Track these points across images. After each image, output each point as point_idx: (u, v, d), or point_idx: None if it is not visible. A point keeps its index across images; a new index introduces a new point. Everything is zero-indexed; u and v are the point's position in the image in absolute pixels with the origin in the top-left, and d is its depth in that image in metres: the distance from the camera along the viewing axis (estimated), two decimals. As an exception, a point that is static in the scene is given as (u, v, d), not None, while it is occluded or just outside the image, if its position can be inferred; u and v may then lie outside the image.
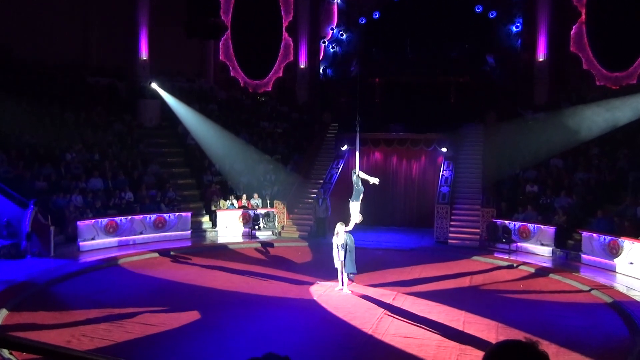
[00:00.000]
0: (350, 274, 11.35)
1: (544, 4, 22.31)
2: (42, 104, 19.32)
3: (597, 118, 17.88)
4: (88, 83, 21.86)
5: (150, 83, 21.96)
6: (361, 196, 11.46)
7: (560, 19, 22.64)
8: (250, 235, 17.46)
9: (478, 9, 24.85)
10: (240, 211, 18.05)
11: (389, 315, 9.95)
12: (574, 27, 22.49)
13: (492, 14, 24.71)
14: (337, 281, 11.52)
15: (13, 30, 20.85)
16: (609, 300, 10.97)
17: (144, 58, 22.89)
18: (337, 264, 11.24)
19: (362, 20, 25.93)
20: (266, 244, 16.58)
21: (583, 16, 22.36)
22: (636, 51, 21.10)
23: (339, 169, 19.73)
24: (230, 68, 26.66)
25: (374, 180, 11.85)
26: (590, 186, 16.28)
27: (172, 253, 14.87)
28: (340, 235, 11.09)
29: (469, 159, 19.68)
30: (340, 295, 11.20)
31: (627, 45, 21.22)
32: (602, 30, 22.02)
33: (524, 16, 23.53)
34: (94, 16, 23.48)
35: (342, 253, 11.05)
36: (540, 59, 22.40)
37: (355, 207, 11.39)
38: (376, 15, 25.76)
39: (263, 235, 17.70)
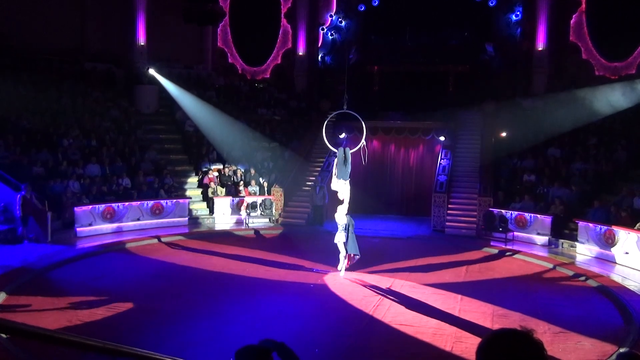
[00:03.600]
0: (355, 255, 11.30)
1: (544, -8, 22.20)
2: (39, 89, 19.23)
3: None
4: (85, 69, 21.74)
5: (148, 69, 21.85)
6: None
7: (560, 8, 22.55)
8: (245, 223, 17.47)
9: (478, -3, 24.73)
10: (237, 198, 18.04)
11: (385, 302, 10.00)
12: (574, 16, 22.41)
13: (492, 2, 24.60)
14: (336, 268, 11.66)
15: (9, 17, 20.70)
16: (603, 289, 11.02)
17: (142, 44, 22.77)
18: (340, 245, 11.21)
19: (362, 8, 25.77)
20: (263, 231, 16.62)
21: (583, 5, 22.27)
22: (635, 41, 21.04)
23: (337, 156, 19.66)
24: (229, 54, 26.52)
25: (362, 144, 11.52)
26: (587, 176, 16.31)
27: (169, 239, 14.89)
28: (342, 216, 10.96)
29: (467, 148, 19.67)
30: (337, 281, 11.24)
31: (626, 35, 21.14)
32: (601, 20, 21.94)
33: (524, 5, 23.44)
34: (91, 2, 23.28)
35: (344, 234, 10.95)
36: (540, 48, 22.33)
37: (345, 187, 11.14)
38: (375, 2, 25.61)
39: (260, 222, 17.73)
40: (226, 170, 19.45)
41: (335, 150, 10.03)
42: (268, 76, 26.26)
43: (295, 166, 19.77)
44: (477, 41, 24.35)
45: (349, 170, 10.90)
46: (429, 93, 21.79)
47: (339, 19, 26.15)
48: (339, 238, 10.96)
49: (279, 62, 26.36)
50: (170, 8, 24.54)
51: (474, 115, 20.85)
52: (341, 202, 11.22)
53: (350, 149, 11.64)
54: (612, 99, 18.41)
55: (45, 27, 21.42)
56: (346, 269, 11.58)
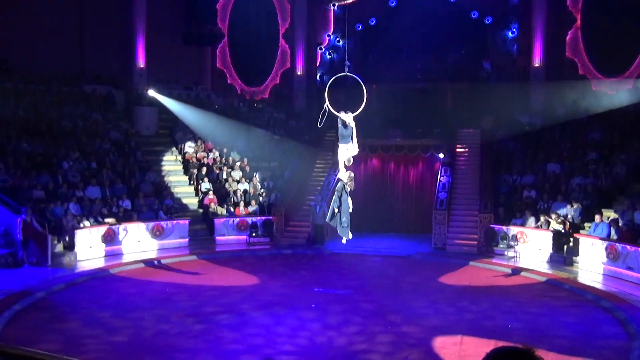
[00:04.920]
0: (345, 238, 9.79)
1: (540, 9, 22.41)
2: (40, 112, 19.35)
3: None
4: (85, 91, 21.87)
5: (147, 90, 21.99)
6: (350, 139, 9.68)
7: (556, 25, 22.75)
8: (248, 243, 17.43)
9: (474, 14, 25.01)
10: (238, 219, 18.02)
11: (386, 321, 9.93)
12: (569, 32, 22.60)
13: (488, 20, 24.87)
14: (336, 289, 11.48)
15: (10, 40, 20.87)
16: (607, 305, 10.95)
17: (141, 66, 22.91)
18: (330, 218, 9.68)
19: (359, 27, 26.02)
20: (264, 252, 16.57)
21: (578, 22, 22.47)
22: (631, 56, 21.20)
23: (336, 175, 19.67)
24: (228, 75, 26.71)
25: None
26: (587, 191, 16.30)
27: (169, 261, 14.84)
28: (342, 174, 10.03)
29: (466, 165, 19.69)
30: (335, 306, 11.08)
31: (622, 50, 21.36)
32: (597, 35, 22.15)
33: (519, 22, 23.66)
34: (91, 25, 23.51)
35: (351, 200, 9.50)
36: (536, 64, 22.49)
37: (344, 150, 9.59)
38: (372, 21, 25.89)
39: (261, 242, 17.68)
40: (225, 185, 19.48)
41: (337, 113, 9.37)
42: (267, 96, 26.40)
43: (296, 185, 19.78)
44: (474, 58, 24.56)
45: (351, 132, 9.87)
46: (427, 110, 21.90)
47: (337, 39, 26.39)
48: (350, 202, 9.40)
49: (278, 82, 26.53)
50: (170, 30, 24.83)
51: (473, 131, 20.91)
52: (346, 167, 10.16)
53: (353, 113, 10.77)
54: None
55: (46, 50, 21.59)
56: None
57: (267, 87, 26.59)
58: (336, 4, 26.31)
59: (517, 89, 22.79)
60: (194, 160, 20.72)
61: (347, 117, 9.25)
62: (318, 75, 26.65)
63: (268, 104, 25.63)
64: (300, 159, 21.12)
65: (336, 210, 9.35)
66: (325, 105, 9.16)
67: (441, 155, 19.57)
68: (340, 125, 9.35)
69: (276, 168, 21.17)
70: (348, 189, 9.20)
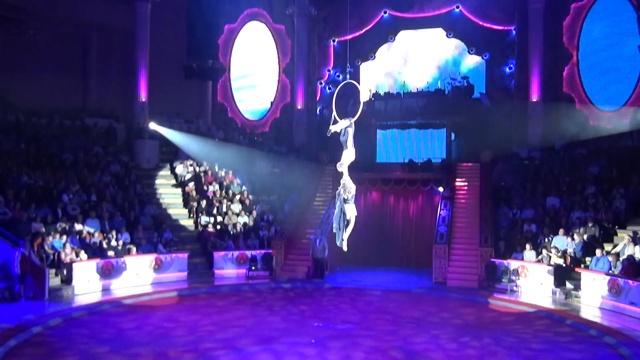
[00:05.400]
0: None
1: (536, 46, 22.81)
2: (41, 145, 19.45)
3: None
4: (86, 124, 22.03)
5: (148, 124, 22.17)
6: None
7: (553, 61, 23.11)
8: (247, 277, 17.31)
9: (471, 51, 25.47)
10: (237, 252, 17.93)
11: (387, 357, 9.79)
12: (566, 68, 22.92)
13: (485, 57, 25.28)
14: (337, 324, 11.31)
15: (12, 74, 21.12)
16: (611, 341, 10.81)
17: (143, 100, 23.15)
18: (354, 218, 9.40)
19: (358, 63, 26.43)
20: (263, 286, 16.43)
21: (575, 58, 22.81)
22: (627, 91, 21.46)
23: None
24: (228, 109, 26.97)
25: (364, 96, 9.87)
26: (587, 225, 16.27)
27: (167, 295, 14.70)
28: (353, 189, 9.26)
29: (466, 198, 19.70)
30: (335, 341, 10.96)
31: (618, 85, 21.65)
32: (593, 71, 22.49)
33: (517, 58, 24.03)
34: (94, 60, 23.88)
35: (352, 207, 9.21)
36: (534, 99, 22.74)
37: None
38: (372, 57, 26.31)
39: (261, 276, 17.54)
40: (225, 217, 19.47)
41: (339, 120, 9.37)
42: (267, 130, 26.61)
43: (295, 219, 19.75)
44: (472, 93, 24.86)
45: (352, 129, 9.79)
46: (426, 144, 22.08)
47: (337, 73, 26.75)
48: (352, 211, 9.20)
49: (278, 115, 26.79)
50: (171, 64, 25.19)
51: (472, 165, 21.00)
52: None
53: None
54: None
55: (48, 84, 21.84)
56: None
57: (268, 121, 26.83)
58: (336, 40, 26.80)
59: (516, 123, 23.00)
60: (194, 193, 20.75)
61: (344, 123, 9.30)
62: (318, 109, 26.92)
63: (268, 138, 25.79)
64: (300, 193, 21.15)
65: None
66: (332, 114, 9.11)
67: (441, 189, 19.61)
68: (340, 132, 9.39)
69: (276, 201, 21.20)
70: (342, 197, 9.17)
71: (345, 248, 9.35)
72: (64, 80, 22.85)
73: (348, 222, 9.14)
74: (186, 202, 20.62)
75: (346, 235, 9.25)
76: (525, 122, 22.80)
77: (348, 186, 9.09)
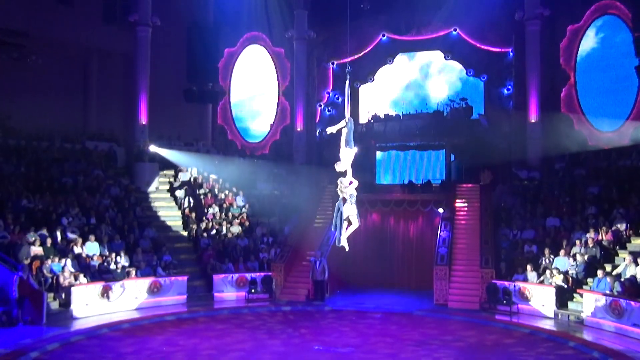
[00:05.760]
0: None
1: (534, 68, 22.95)
2: (41, 168, 19.49)
3: None
4: (87, 148, 22.11)
5: (149, 146, 22.25)
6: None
7: (550, 82, 23.27)
8: (247, 300, 17.19)
9: (469, 72, 25.66)
10: (237, 275, 17.84)
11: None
12: (563, 89, 23.08)
13: (483, 78, 25.47)
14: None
15: (13, 98, 21.28)
16: (614, 364, 10.70)
17: (143, 123, 23.25)
18: (353, 218, 9.53)
19: (357, 85, 26.61)
20: (263, 309, 16.32)
21: (572, 79, 22.98)
22: (624, 111, 21.56)
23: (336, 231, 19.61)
24: (228, 131, 27.10)
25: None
26: (588, 246, 16.21)
27: (166, 319, 14.58)
28: (350, 188, 9.51)
29: (466, 219, 19.65)
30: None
31: (616, 106, 21.77)
32: (591, 91, 22.63)
33: (514, 79, 24.19)
34: (94, 84, 24.08)
35: (355, 207, 9.44)
36: (533, 120, 22.81)
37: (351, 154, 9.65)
38: (371, 79, 26.50)
39: (260, 299, 17.42)
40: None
41: (346, 120, 9.51)
42: (267, 152, 26.68)
43: (295, 241, 19.68)
44: (471, 114, 24.98)
45: (352, 140, 9.59)
46: (426, 165, 22.13)
47: (336, 96, 26.93)
48: (351, 211, 9.43)
49: (278, 138, 26.90)
50: (171, 87, 25.41)
51: (472, 186, 21.00)
52: (343, 174, 9.69)
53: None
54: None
55: (49, 108, 22.01)
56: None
57: (267, 143, 26.92)
58: (335, 62, 27.04)
59: (515, 144, 23.06)
60: (193, 216, 20.73)
61: (341, 124, 9.50)
62: (317, 131, 27.03)
63: (268, 160, 25.86)
64: (300, 215, 21.12)
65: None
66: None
67: (441, 210, 19.58)
68: (349, 129, 9.53)
69: (276, 223, 21.16)
70: (342, 196, 9.25)
71: (346, 248, 9.49)
72: (65, 103, 23.04)
73: (348, 222, 9.26)
74: (186, 225, 20.58)
75: (344, 235, 9.35)
76: (524, 143, 22.84)
77: (343, 185, 9.31)
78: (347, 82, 10.10)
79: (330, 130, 9.43)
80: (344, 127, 9.30)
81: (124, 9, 23.61)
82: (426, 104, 25.69)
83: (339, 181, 9.33)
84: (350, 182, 9.39)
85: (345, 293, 18.78)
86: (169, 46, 25.07)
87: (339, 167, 9.27)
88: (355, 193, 9.40)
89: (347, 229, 9.36)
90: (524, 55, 23.28)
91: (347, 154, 9.38)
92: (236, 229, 20.28)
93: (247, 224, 20.78)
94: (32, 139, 20.94)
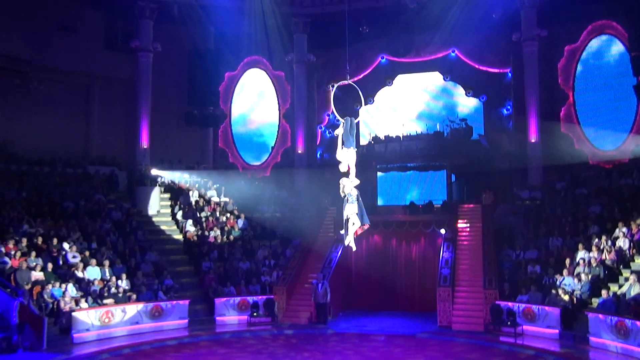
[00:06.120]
0: (366, 224, 10.05)
1: (532, 88, 23.06)
2: (43, 193, 19.51)
3: None
4: (88, 172, 22.17)
5: (150, 170, 22.31)
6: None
7: (550, 102, 23.37)
8: (249, 323, 17.04)
9: (469, 93, 25.79)
10: (239, 298, 17.72)
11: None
12: (563, 108, 23.19)
13: (482, 99, 25.59)
14: None
15: (15, 124, 21.43)
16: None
17: (144, 147, 23.37)
18: (353, 217, 9.84)
19: (357, 107, 26.70)
20: (265, 332, 16.17)
21: (571, 98, 23.10)
22: (624, 130, 21.63)
23: (338, 253, 19.58)
24: (229, 154, 27.17)
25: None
26: (592, 266, 16.11)
27: (167, 344, 14.45)
28: (351, 187, 9.81)
29: (468, 240, 19.57)
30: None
31: (615, 125, 21.85)
32: (591, 110, 22.74)
33: (513, 100, 24.30)
34: (96, 109, 24.24)
35: (355, 205, 9.77)
36: (533, 140, 22.84)
37: (351, 155, 9.87)
38: (371, 101, 26.63)
39: (262, 322, 17.28)
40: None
41: (342, 120, 9.67)
42: (268, 174, 26.71)
43: (297, 263, 19.59)
44: (471, 135, 25.03)
45: (354, 139, 9.99)
46: (427, 186, 22.12)
47: (336, 118, 27.01)
48: (351, 210, 9.75)
49: (279, 160, 26.95)
50: (173, 111, 25.58)
51: (474, 207, 20.96)
52: (344, 174, 10.02)
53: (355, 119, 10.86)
54: None
55: (51, 133, 22.14)
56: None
57: (269, 166, 26.97)
58: (335, 85, 27.22)
59: (515, 164, 23.07)
60: (195, 239, 20.68)
61: (340, 130, 9.70)
62: (318, 153, 27.10)
63: (269, 182, 25.87)
64: (301, 237, 21.06)
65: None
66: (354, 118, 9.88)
67: (443, 231, 19.52)
68: (346, 128, 9.67)
69: (277, 246, 21.09)
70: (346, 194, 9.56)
71: (353, 248, 9.89)
72: (67, 128, 23.17)
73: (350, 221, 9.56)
74: (187, 248, 20.51)
75: (350, 234, 9.62)
76: (525, 163, 22.86)
77: (344, 185, 9.61)
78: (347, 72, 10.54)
79: (338, 132, 9.74)
80: (342, 127, 9.65)
81: (125, 35, 23.93)
82: (426, 125, 25.77)
83: (340, 182, 9.59)
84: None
85: (348, 316, 18.63)
86: (170, 71, 25.32)
87: (341, 167, 9.59)
88: (355, 192, 9.59)
89: (350, 229, 9.59)
90: (523, 75, 23.44)
91: (344, 155, 9.62)
92: (238, 251, 20.18)
93: (248, 246, 20.71)
94: (34, 164, 21.03)
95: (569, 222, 18.90)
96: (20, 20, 21.66)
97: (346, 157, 9.63)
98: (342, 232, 9.83)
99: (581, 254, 16.76)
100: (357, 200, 9.74)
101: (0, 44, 21.17)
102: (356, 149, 9.90)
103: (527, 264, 17.36)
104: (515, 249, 18.44)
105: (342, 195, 9.57)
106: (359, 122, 9.75)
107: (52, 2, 22.39)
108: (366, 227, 10.08)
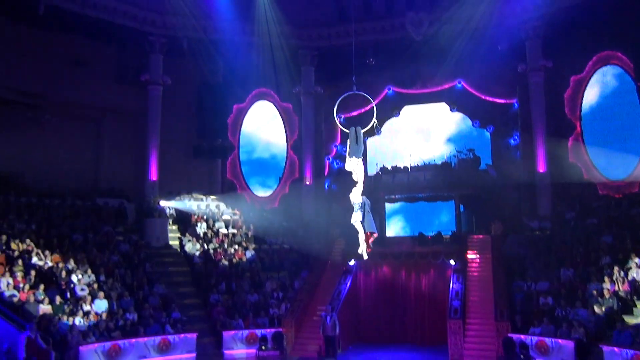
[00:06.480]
0: (373, 233, 10.33)
1: (539, 118, 23.10)
2: (52, 225, 19.56)
3: None
4: (97, 204, 22.24)
5: (159, 202, 22.38)
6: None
7: (557, 131, 23.30)
8: (257, 357, 16.83)
9: (475, 124, 25.87)
10: (247, 331, 17.53)
11: None
12: (570, 138, 23.14)
13: (489, 129, 25.66)
14: None
15: (26, 157, 21.63)
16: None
17: (153, 179, 23.49)
18: (357, 224, 10.10)
19: (366, 139, 26.82)
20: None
21: (578, 128, 23.10)
22: (633, 159, 21.55)
23: (347, 285, 19.42)
24: (238, 186, 27.24)
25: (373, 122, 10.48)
26: (605, 297, 15.87)
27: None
28: (357, 195, 10.05)
29: (478, 271, 19.38)
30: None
31: (624, 154, 21.78)
32: (598, 140, 22.69)
33: (520, 130, 24.33)
34: (106, 141, 24.46)
35: (360, 214, 9.99)
36: (541, 170, 22.78)
37: (358, 165, 10.13)
38: (378, 132, 26.75)
39: (271, 356, 17.05)
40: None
41: (347, 130, 9.89)
42: (276, 205, 26.70)
43: (306, 295, 19.42)
44: (479, 165, 25.04)
45: (362, 149, 10.18)
46: (436, 217, 22.04)
47: (344, 149, 27.10)
48: (355, 217, 10.01)
49: (287, 191, 26.96)
50: (181, 143, 25.80)
51: (483, 237, 20.82)
52: (355, 183, 10.23)
53: (362, 128, 10.94)
54: None
55: (62, 167, 22.31)
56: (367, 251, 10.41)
57: (277, 197, 26.98)
58: (342, 116, 27.40)
59: (524, 194, 22.98)
60: (203, 270, 20.59)
61: (358, 132, 9.93)
62: (326, 184, 27.13)
63: (277, 213, 25.85)
64: (310, 269, 20.93)
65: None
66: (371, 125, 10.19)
67: (452, 262, 19.35)
68: (352, 138, 9.77)
69: (285, 278, 20.94)
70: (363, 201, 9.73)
71: (364, 256, 10.07)
72: (77, 161, 23.34)
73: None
74: (195, 281, 20.41)
75: (361, 244, 9.86)
76: (534, 193, 22.76)
77: (352, 195, 9.86)
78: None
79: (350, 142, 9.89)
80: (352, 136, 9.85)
81: (136, 69, 24.26)
82: (433, 155, 25.80)
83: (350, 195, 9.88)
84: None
85: (358, 348, 18.37)
86: (179, 103, 25.63)
87: (354, 176, 9.82)
88: (359, 200, 9.78)
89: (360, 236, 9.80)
90: (529, 106, 23.52)
91: (353, 165, 9.86)
92: (245, 284, 20.05)
93: (256, 279, 20.58)
94: (44, 196, 21.13)
95: (580, 253, 18.69)
96: (35, 55, 22.06)
97: (355, 167, 9.78)
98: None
99: (594, 285, 16.53)
100: (362, 208, 9.91)
101: (15, 79, 21.54)
102: (361, 158, 10.08)
103: (539, 296, 17.12)
104: (527, 280, 18.22)
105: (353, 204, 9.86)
106: (365, 140, 9.90)
107: (66, 38, 22.80)
108: (375, 235, 10.26)
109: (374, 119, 10.54)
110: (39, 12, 20.56)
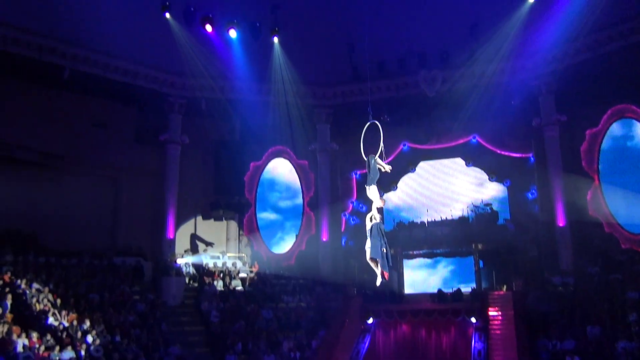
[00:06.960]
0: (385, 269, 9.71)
1: (556, 172, 22.93)
2: (69, 285, 19.56)
3: None
4: (114, 263, 22.27)
5: (175, 260, 22.36)
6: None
7: (575, 185, 23.01)
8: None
9: (492, 178, 25.79)
10: (264, 393, 17.07)
11: None
12: (589, 192, 22.85)
13: (506, 184, 25.53)
14: None
15: (44, 217, 21.85)
16: None
17: (170, 237, 23.57)
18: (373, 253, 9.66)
19: (381, 194, 26.82)
20: None
21: (596, 181, 22.86)
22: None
23: (365, 344, 18.97)
24: (254, 243, 27.16)
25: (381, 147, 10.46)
26: (635, 356, 15.27)
27: None
28: (367, 222, 9.83)
29: (501, 329, 18.83)
30: None
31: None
32: (617, 194, 22.38)
33: (537, 184, 24.15)
34: (124, 200, 24.69)
35: (367, 241, 9.66)
36: (561, 224, 22.44)
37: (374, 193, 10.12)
38: (394, 188, 26.77)
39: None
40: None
41: (365, 158, 9.89)
42: (293, 262, 26.51)
43: (324, 356, 18.96)
44: (497, 220, 24.74)
45: (376, 177, 10.11)
46: (455, 273, 21.71)
47: (360, 205, 27.09)
48: (367, 245, 9.78)
49: (303, 248, 26.80)
50: (199, 200, 26.01)
51: (504, 294, 20.35)
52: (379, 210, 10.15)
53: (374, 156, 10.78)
54: None
55: (79, 225, 22.49)
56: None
57: (293, 254, 26.82)
58: (358, 172, 27.56)
59: (545, 248, 22.59)
60: (219, 330, 20.28)
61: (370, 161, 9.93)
62: (343, 240, 26.97)
63: (294, 271, 25.62)
64: (327, 328, 20.52)
65: (383, 250, 9.57)
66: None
67: (473, 320, 18.87)
68: (372, 167, 9.86)
69: (302, 337, 20.51)
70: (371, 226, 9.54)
71: (377, 282, 9.75)
72: (95, 220, 23.51)
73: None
74: (211, 341, 20.08)
75: (377, 270, 9.58)
76: (555, 247, 22.33)
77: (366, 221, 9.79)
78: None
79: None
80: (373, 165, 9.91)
81: (154, 129, 24.74)
82: (450, 211, 25.63)
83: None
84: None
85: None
86: (196, 161, 26.04)
87: (376, 203, 9.78)
88: (369, 224, 9.66)
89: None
90: (545, 160, 23.43)
91: (372, 193, 9.90)
92: (263, 343, 19.67)
93: (273, 338, 20.19)
94: (62, 256, 21.22)
95: (605, 309, 18.13)
96: (55, 117, 22.61)
97: (373, 195, 9.89)
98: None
99: (622, 343, 15.95)
100: (369, 233, 9.71)
101: (36, 141, 22.01)
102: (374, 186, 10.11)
103: (565, 355, 16.54)
104: (551, 339, 17.64)
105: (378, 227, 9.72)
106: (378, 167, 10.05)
107: (87, 100, 23.47)
108: (386, 275, 9.72)
109: (381, 144, 10.56)
110: (63, 77, 21.27)
